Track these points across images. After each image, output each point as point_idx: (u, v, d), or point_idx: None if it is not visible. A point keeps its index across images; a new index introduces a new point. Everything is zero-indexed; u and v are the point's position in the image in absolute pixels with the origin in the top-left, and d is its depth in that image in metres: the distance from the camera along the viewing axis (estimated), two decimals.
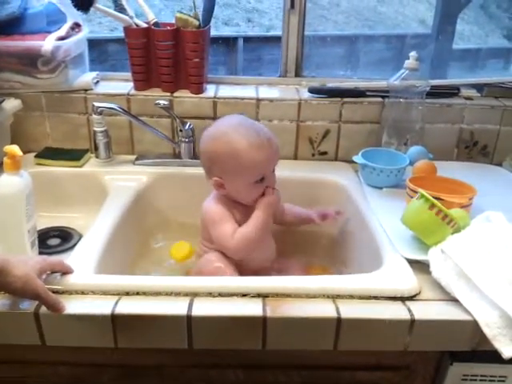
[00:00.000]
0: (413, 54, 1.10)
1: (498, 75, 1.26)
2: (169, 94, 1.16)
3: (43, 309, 0.68)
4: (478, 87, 1.24)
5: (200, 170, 1.11)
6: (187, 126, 1.13)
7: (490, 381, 0.77)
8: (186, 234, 1.10)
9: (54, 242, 1.01)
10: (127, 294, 0.73)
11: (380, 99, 1.17)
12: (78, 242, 0.97)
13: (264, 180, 0.90)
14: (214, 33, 1.19)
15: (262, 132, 0.89)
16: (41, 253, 0.88)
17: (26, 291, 0.66)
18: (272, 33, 3.29)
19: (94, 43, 1.25)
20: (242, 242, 0.88)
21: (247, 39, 2.75)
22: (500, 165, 1.19)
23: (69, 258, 0.80)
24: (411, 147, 1.12)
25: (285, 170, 1.03)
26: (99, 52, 1.69)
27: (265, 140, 0.88)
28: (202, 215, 0.95)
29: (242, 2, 3.54)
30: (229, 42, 2.52)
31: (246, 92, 1.19)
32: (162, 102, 1.08)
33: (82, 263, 0.79)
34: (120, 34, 1.17)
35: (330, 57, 1.54)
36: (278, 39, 1.29)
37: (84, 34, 1.17)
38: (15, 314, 0.69)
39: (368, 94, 1.18)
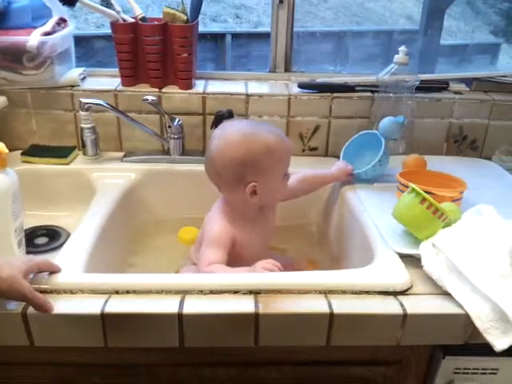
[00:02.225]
0: (402, 48, 1.10)
1: (485, 70, 1.26)
2: (157, 89, 1.15)
3: (31, 309, 0.67)
4: (467, 82, 1.24)
5: (189, 167, 1.12)
6: (176, 122, 1.12)
7: (482, 373, 0.77)
8: (175, 230, 1.10)
9: (41, 240, 0.99)
10: (117, 292, 0.71)
11: (370, 94, 1.17)
12: (65, 240, 0.95)
13: (287, 174, 0.91)
14: (201, 29, 1.17)
15: (272, 125, 0.91)
16: (28, 252, 0.87)
17: (12, 293, 0.64)
18: (260, 29, 3.28)
19: (80, 40, 1.24)
20: None
21: (235, 35, 2.73)
22: (489, 159, 1.20)
23: (57, 257, 0.78)
24: (380, 122, 1.07)
25: None
26: (86, 49, 1.67)
27: (280, 131, 0.91)
28: (204, 225, 0.93)
29: None
30: (217, 39, 2.51)
31: (236, 87, 1.18)
32: (150, 97, 1.06)
33: (71, 262, 0.78)
34: (106, 30, 1.16)
35: (319, 52, 1.54)
36: (266, 35, 1.28)
37: (70, 29, 1.15)
38: (2, 314, 0.68)
39: (358, 89, 1.18)
